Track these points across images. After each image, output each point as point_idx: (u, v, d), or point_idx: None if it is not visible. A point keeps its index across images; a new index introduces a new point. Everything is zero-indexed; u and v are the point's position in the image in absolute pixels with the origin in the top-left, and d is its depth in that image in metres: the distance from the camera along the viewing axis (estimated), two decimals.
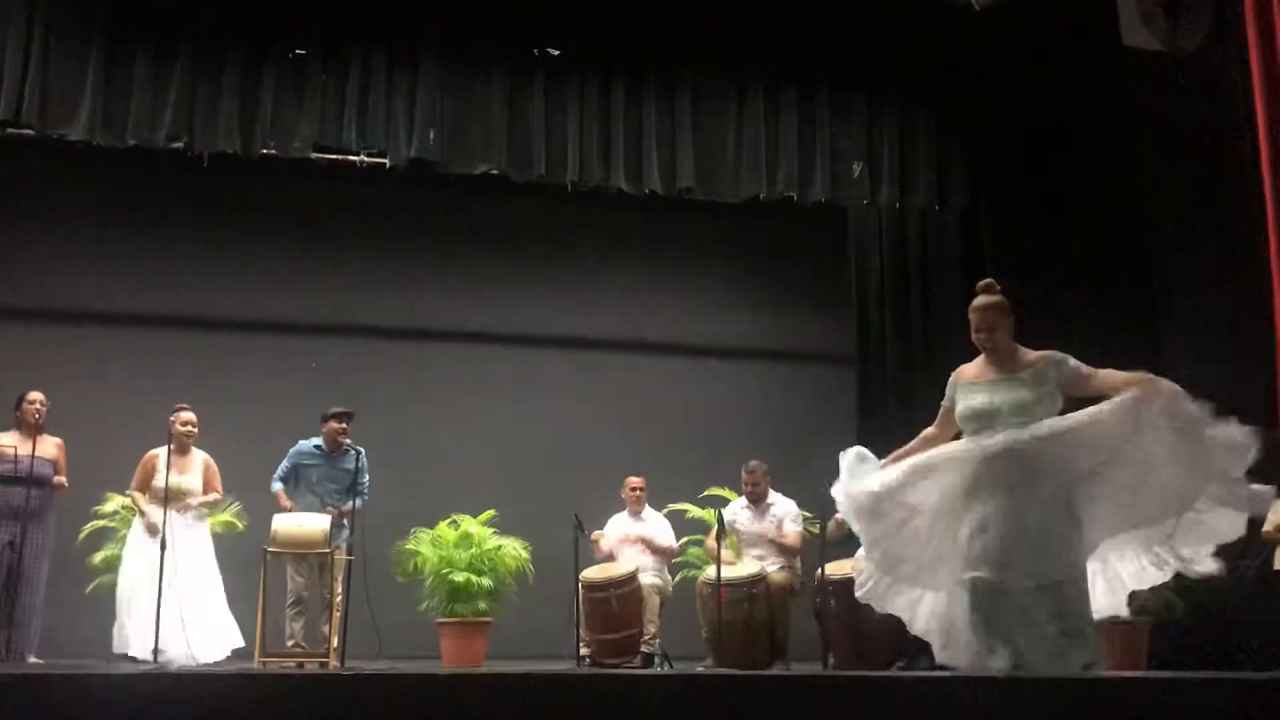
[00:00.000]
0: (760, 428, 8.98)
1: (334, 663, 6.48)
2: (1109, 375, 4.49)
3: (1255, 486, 4.26)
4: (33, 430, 6.69)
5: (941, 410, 4.77)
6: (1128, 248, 8.35)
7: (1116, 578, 4.48)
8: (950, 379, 4.79)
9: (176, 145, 7.68)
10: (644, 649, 7.22)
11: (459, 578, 7.46)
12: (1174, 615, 6.86)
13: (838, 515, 6.95)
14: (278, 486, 7.21)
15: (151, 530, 6.58)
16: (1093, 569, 4.42)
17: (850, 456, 4.86)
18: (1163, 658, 6.74)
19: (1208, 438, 4.22)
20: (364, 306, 8.92)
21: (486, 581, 7.54)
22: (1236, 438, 4.20)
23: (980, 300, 4.75)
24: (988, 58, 8.31)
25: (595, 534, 7.57)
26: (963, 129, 8.76)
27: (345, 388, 8.16)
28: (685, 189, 8.19)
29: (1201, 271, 7.82)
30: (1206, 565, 4.31)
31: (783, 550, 7.31)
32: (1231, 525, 4.28)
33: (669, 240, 9.31)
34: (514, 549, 7.70)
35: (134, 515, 6.92)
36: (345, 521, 6.97)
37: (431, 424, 8.76)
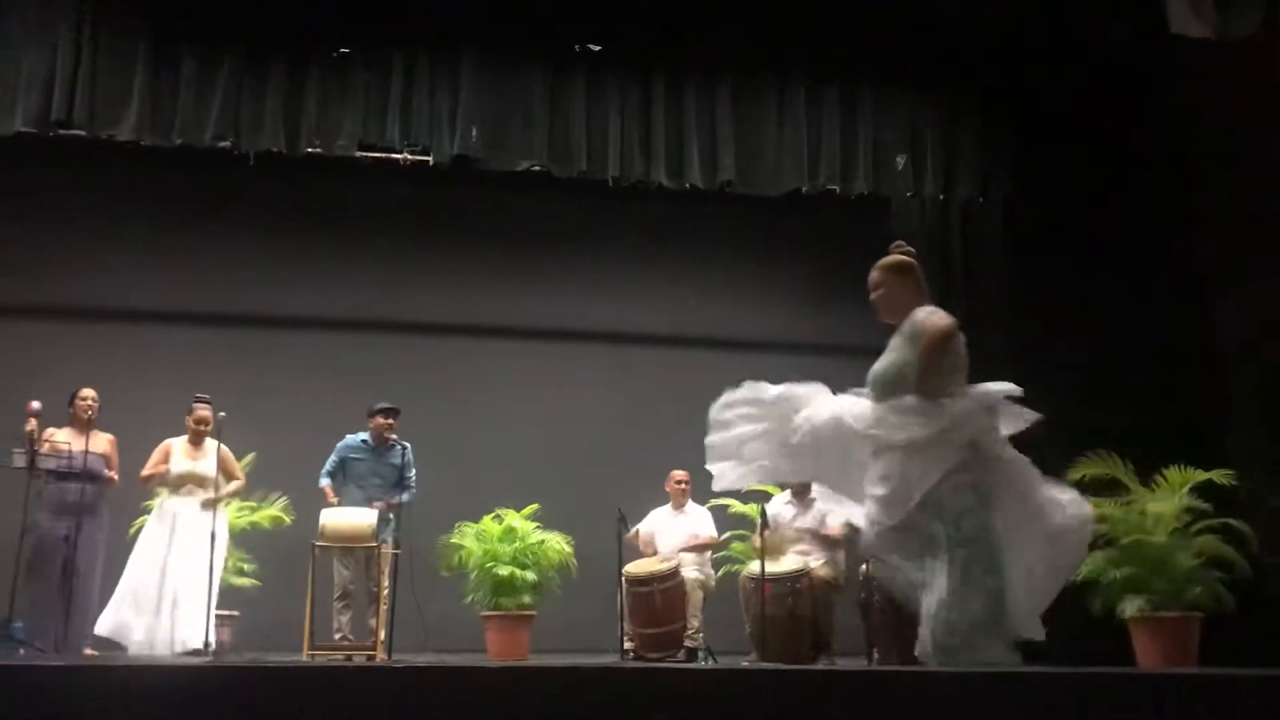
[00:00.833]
0: None
1: (381, 655, 6.54)
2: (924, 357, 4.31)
3: None
4: (85, 426, 6.80)
5: None
6: (1174, 237, 8.25)
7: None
8: None
9: (223, 145, 7.79)
10: (687, 643, 7.23)
11: (503, 571, 7.52)
12: (1225, 608, 6.78)
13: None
14: (325, 482, 7.29)
15: (206, 505, 6.71)
16: None
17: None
18: (1215, 652, 6.66)
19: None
20: (408, 303, 8.98)
21: (530, 575, 7.59)
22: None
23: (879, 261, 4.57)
24: (1031, 46, 8.23)
25: (632, 532, 7.58)
26: (1006, 118, 8.67)
27: (389, 384, 8.22)
28: (726, 183, 8.19)
29: (1248, 261, 7.70)
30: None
31: (826, 544, 7.28)
32: None
33: (710, 235, 9.29)
34: (557, 543, 7.75)
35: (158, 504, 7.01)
36: (391, 515, 7.03)
37: (475, 419, 8.80)
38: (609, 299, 9.23)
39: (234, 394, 7.18)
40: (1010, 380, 7.99)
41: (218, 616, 6.66)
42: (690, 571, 7.42)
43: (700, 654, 7.23)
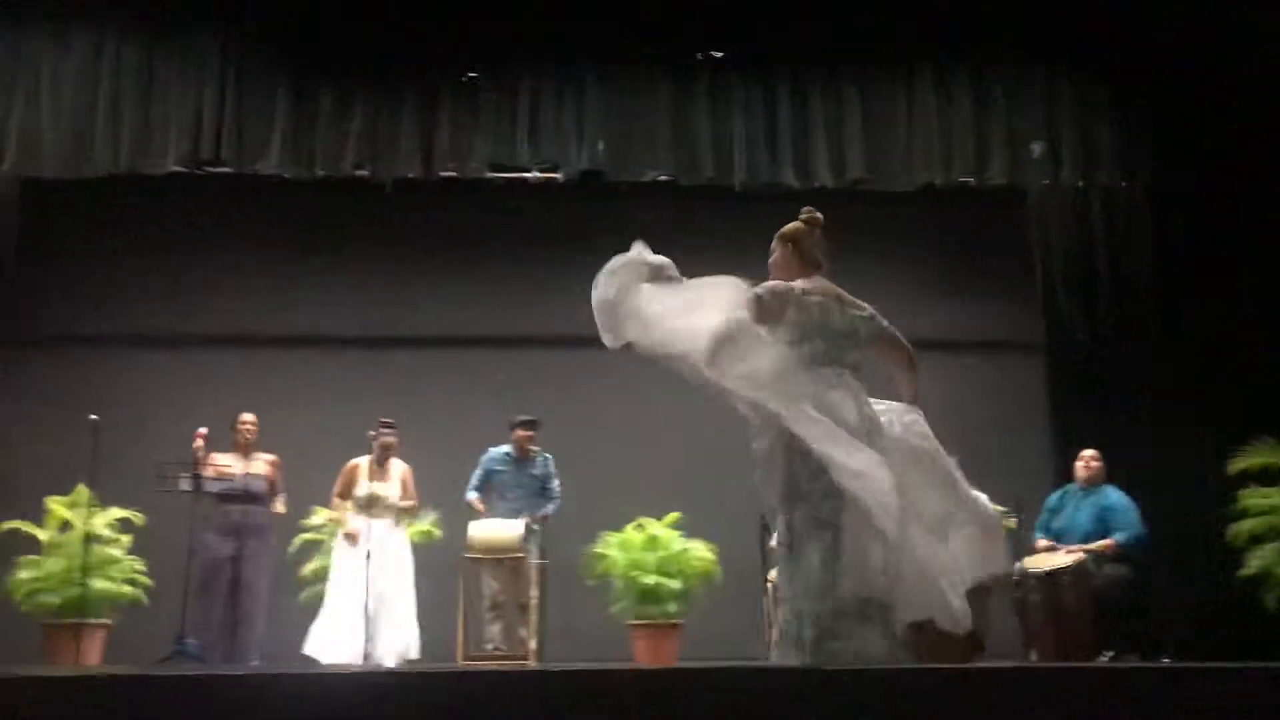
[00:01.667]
0: (944, 422, 8.65)
1: (533, 664, 6.64)
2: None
3: None
4: (246, 450, 7.10)
5: None
6: None
7: None
8: None
9: (361, 173, 8.03)
10: None
11: (648, 580, 7.56)
12: None
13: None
14: (472, 495, 7.44)
15: (350, 539, 6.92)
16: None
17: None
18: None
19: None
20: (545, 317, 9.08)
21: (675, 584, 7.62)
22: None
23: None
24: (1169, 23, 7.91)
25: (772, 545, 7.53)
26: (1146, 100, 8.34)
27: (531, 397, 8.35)
28: (856, 181, 8.07)
29: None
30: None
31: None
32: None
33: (840, 234, 9.12)
34: (701, 551, 7.75)
35: (338, 526, 7.26)
36: (537, 526, 7.15)
37: (615, 430, 8.86)
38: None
39: (379, 413, 7.37)
40: (1163, 369, 7.72)
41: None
42: None
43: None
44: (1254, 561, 7.24)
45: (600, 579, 7.76)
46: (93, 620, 7.07)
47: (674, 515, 7.87)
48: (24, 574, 7.28)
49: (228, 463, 7.01)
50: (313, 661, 6.74)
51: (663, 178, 8.09)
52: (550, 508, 7.29)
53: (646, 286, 4.28)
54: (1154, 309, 8.40)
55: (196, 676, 4.03)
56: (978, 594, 6.76)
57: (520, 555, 7.06)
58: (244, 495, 6.93)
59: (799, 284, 4.26)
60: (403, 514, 7.20)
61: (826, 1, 8.03)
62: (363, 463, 7.18)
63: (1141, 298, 8.48)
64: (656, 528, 7.80)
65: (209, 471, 6.85)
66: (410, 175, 8.01)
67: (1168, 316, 8.32)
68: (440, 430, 8.22)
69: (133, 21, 7.87)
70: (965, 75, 8.17)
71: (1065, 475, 7.38)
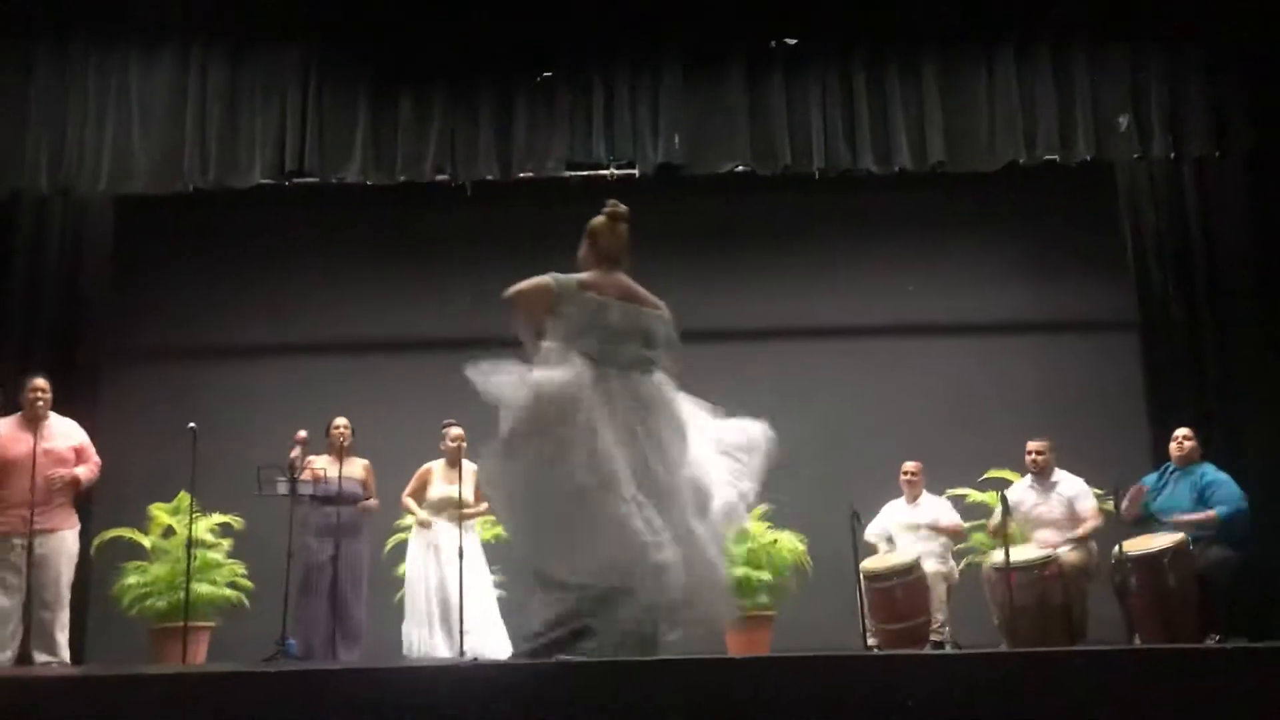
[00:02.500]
0: (1038, 404, 8.58)
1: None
2: None
3: None
4: (340, 453, 7.24)
5: None
6: None
7: None
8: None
9: (442, 177, 8.13)
10: (933, 638, 7.06)
11: (738, 572, 7.53)
12: None
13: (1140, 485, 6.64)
14: None
15: (423, 526, 7.02)
16: None
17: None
18: None
19: None
20: None
21: (765, 575, 7.60)
22: None
23: None
24: None
25: (868, 532, 7.47)
26: (1239, 66, 8.06)
27: None
28: (937, 164, 7.93)
29: None
30: None
31: (1075, 528, 6.96)
32: None
33: (922, 218, 9.05)
34: (790, 542, 7.72)
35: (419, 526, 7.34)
36: None
37: None
38: (823, 292, 9.10)
39: (461, 416, 7.46)
40: (1261, 343, 7.48)
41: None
42: (931, 564, 7.24)
43: (948, 648, 7.04)
44: None
45: None
46: (197, 623, 7.27)
47: (762, 507, 7.83)
48: (131, 579, 7.51)
49: (323, 466, 7.15)
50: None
51: (740, 168, 8.04)
52: None
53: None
54: (1250, 282, 8.14)
55: (302, 672, 4.12)
56: (1076, 579, 6.66)
57: None
58: (340, 498, 7.06)
59: (583, 278, 4.15)
60: (474, 516, 7.24)
61: None
62: (435, 466, 7.28)
63: (1238, 271, 8.22)
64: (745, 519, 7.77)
65: (305, 475, 6.99)
66: (489, 177, 8.07)
67: (1265, 289, 8.06)
68: None
69: (216, 39, 8.05)
70: (1047, 50, 7.97)
71: (1164, 455, 7.21)
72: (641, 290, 4.19)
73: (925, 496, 7.64)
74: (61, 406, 6.56)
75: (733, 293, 9.08)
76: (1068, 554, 6.80)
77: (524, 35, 8.10)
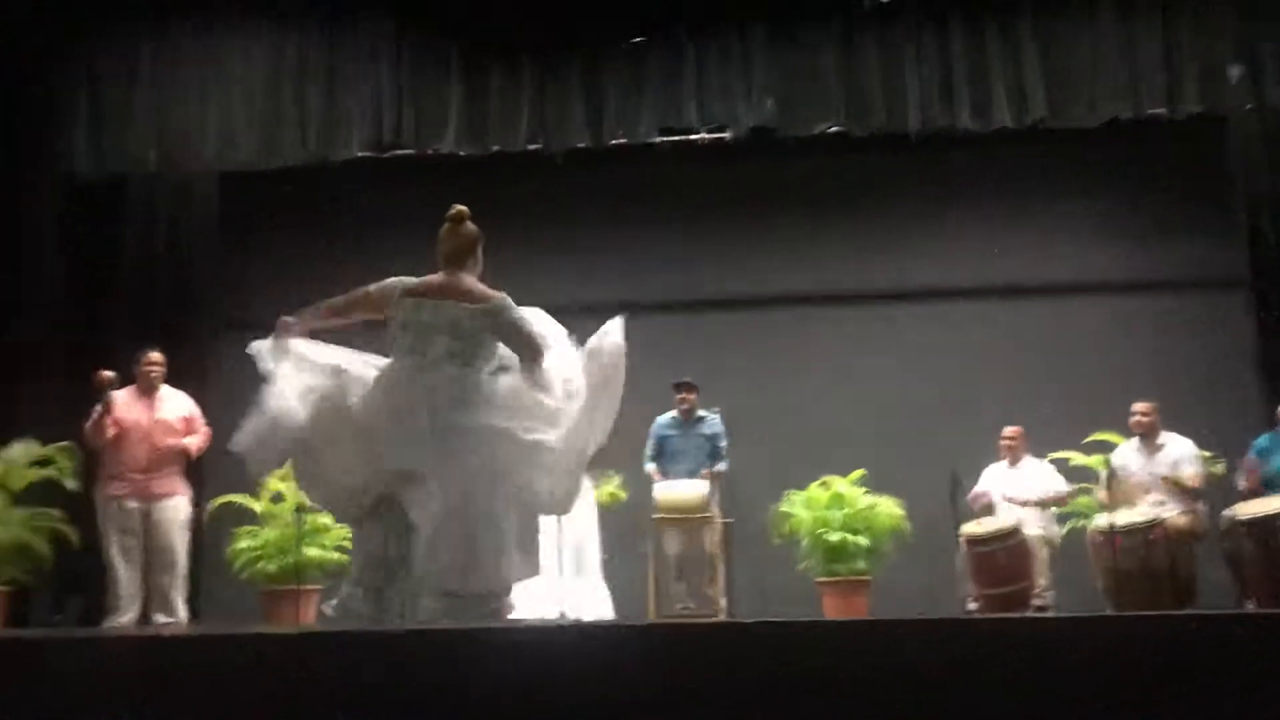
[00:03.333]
0: (1143, 365, 8.35)
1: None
2: None
3: None
4: None
5: None
6: None
7: None
8: None
9: (534, 147, 8.18)
10: (1035, 603, 6.96)
11: (835, 538, 7.52)
12: None
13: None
14: (650, 467, 7.55)
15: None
16: None
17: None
18: None
19: None
20: (717, 279, 9.10)
21: (863, 540, 7.56)
22: None
23: None
24: None
25: (970, 495, 7.38)
26: None
27: (706, 359, 8.41)
28: (1038, 120, 7.73)
29: None
30: None
31: (1182, 493, 6.79)
32: None
33: (1022, 177, 8.84)
34: (888, 507, 7.66)
35: None
36: (713, 484, 7.21)
37: (794, 388, 8.80)
38: (920, 255, 8.96)
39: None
40: None
41: None
42: (1033, 529, 7.13)
43: (1051, 613, 6.93)
44: None
45: (786, 538, 7.75)
46: (307, 585, 7.48)
47: (859, 472, 7.79)
48: (243, 544, 7.76)
49: None
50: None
51: (833, 130, 7.94)
52: (721, 466, 7.34)
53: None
54: None
55: (418, 631, 4.23)
56: (1182, 542, 6.51)
57: (706, 515, 7.12)
58: None
59: (407, 282, 4.49)
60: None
61: None
62: None
63: None
64: (842, 484, 7.74)
65: None
66: (581, 145, 8.10)
67: None
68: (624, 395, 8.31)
69: (311, 14, 8.20)
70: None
71: (1275, 417, 6.97)
72: (466, 286, 4.41)
73: (1027, 460, 7.51)
74: (173, 378, 6.77)
75: (825, 256, 8.99)
76: (1174, 517, 6.65)
77: (614, 1, 8.08)
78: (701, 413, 7.57)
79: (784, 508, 7.78)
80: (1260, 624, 3.76)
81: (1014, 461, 7.52)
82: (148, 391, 6.57)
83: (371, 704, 3.48)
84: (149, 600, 6.49)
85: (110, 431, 6.37)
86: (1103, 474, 6.87)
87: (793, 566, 7.69)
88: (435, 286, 4.41)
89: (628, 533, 7.40)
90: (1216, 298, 8.53)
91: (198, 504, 7.07)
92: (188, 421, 6.70)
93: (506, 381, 4.40)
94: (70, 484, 7.11)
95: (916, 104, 7.77)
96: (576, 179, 8.66)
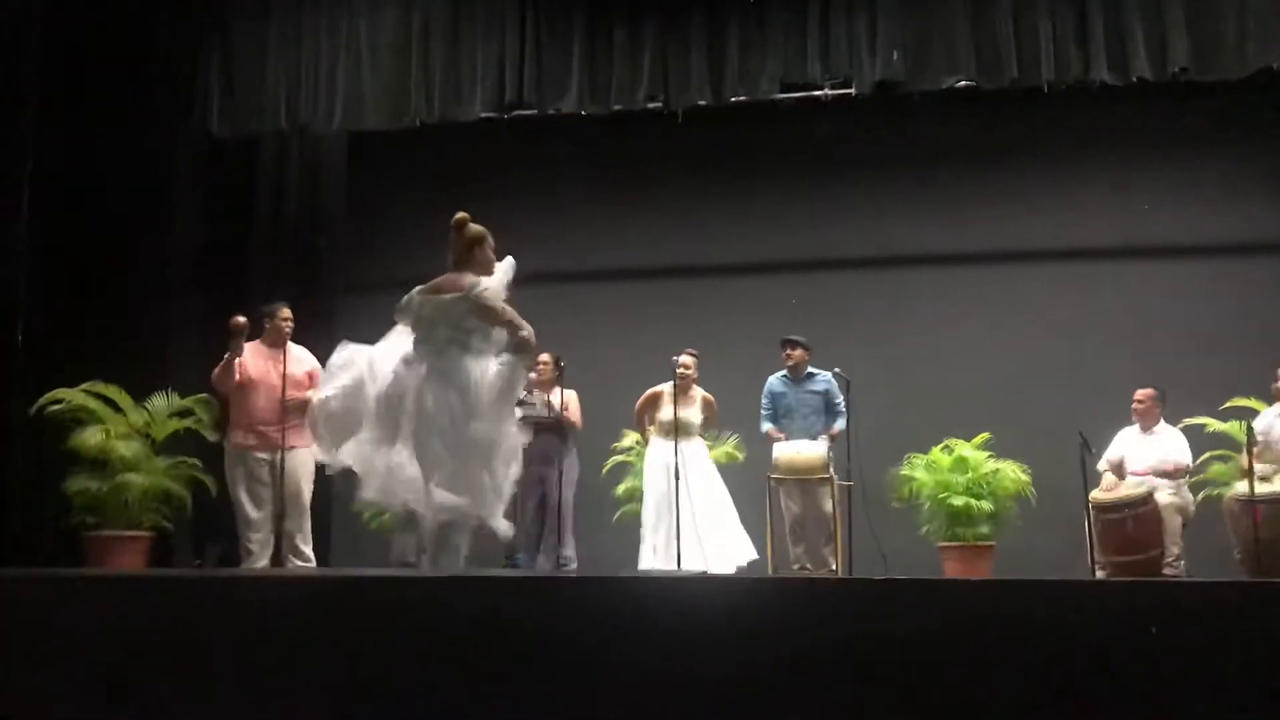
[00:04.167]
0: None
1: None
2: None
3: None
4: (549, 385, 7.44)
5: None
6: None
7: None
8: None
9: (655, 105, 8.15)
10: (1167, 571, 6.73)
11: (957, 502, 7.40)
12: None
13: None
14: (767, 426, 7.49)
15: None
16: None
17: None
18: None
19: None
20: (838, 238, 8.97)
21: (986, 505, 7.42)
22: None
23: None
24: None
25: (1103, 463, 7.16)
26: None
27: (826, 320, 8.32)
28: (1180, 71, 7.37)
29: None
30: None
31: None
32: None
33: (1161, 133, 8.47)
34: (1013, 471, 7.49)
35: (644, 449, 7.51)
36: (831, 444, 7.14)
37: (917, 349, 8.64)
38: (1051, 213, 8.66)
39: (684, 341, 7.54)
40: None
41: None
42: (1165, 496, 6.89)
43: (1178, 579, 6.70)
44: None
45: (906, 501, 7.64)
46: None
47: (983, 435, 7.62)
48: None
49: (533, 397, 7.36)
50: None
51: (962, 84, 7.71)
52: (839, 424, 7.25)
53: None
54: None
55: (552, 578, 4.31)
56: None
57: (825, 476, 7.06)
58: (552, 425, 7.25)
59: (424, 286, 5.13)
60: (705, 433, 7.35)
61: None
62: (665, 389, 7.37)
63: None
64: (965, 448, 7.59)
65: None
66: (701, 103, 8.04)
67: None
68: (740, 355, 8.29)
69: None
70: None
71: None
72: (456, 280, 5.05)
73: (1161, 426, 7.25)
74: (297, 333, 6.95)
75: (954, 216, 8.78)
76: None
77: None
78: (812, 370, 7.48)
79: (905, 470, 7.67)
80: None
81: (1146, 426, 7.27)
82: (277, 345, 6.75)
83: (505, 645, 3.57)
84: (279, 546, 6.72)
85: (236, 377, 6.58)
86: (1242, 440, 6.59)
87: (913, 531, 7.59)
88: (436, 285, 5.09)
89: (746, 492, 7.38)
90: None
91: None
92: (311, 376, 6.87)
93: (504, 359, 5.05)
94: (209, 435, 7.40)
95: (1050, 56, 7.47)
96: (697, 137, 8.61)
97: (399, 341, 5.14)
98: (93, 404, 7.33)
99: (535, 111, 8.27)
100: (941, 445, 7.66)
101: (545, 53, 8.21)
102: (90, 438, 7.23)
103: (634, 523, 7.56)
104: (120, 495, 7.20)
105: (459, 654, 3.58)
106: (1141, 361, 7.87)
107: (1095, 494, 6.86)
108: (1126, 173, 8.62)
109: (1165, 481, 7.02)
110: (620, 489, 7.91)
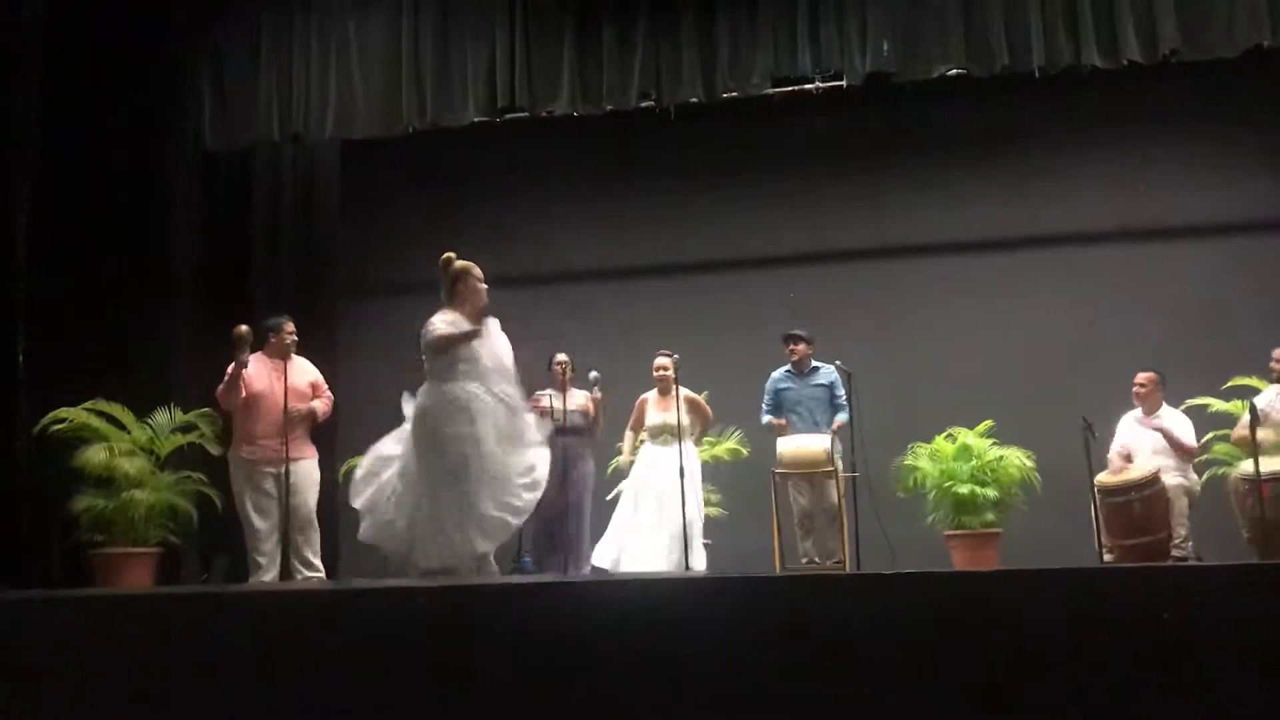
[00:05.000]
0: None
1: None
2: None
3: None
4: (563, 386, 7.44)
5: None
6: None
7: None
8: None
9: (647, 104, 8.14)
10: (1175, 553, 6.74)
11: (962, 490, 7.40)
12: None
13: None
14: (767, 418, 7.50)
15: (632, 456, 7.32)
16: None
17: None
18: None
19: None
20: (834, 231, 8.98)
21: (991, 493, 7.42)
22: None
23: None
24: None
25: (1113, 452, 7.18)
26: None
27: (824, 313, 8.32)
28: (1171, 52, 7.36)
29: None
30: None
31: None
32: None
33: (1154, 115, 8.48)
34: (1017, 458, 7.49)
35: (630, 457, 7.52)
36: (835, 437, 7.14)
37: (917, 339, 8.66)
38: (1047, 199, 8.68)
39: (679, 340, 7.55)
40: None
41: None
42: (1171, 478, 6.90)
43: (1191, 564, 6.70)
44: None
45: (911, 492, 7.65)
46: None
47: (986, 423, 7.63)
48: None
49: (546, 400, 7.36)
50: (604, 572, 7.04)
51: (954, 72, 7.71)
52: (841, 417, 7.25)
53: None
54: None
55: (548, 583, 4.31)
56: None
57: (829, 469, 7.07)
58: (567, 429, 7.25)
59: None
60: (695, 432, 7.34)
61: None
62: (650, 396, 7.39)
63: None
64: (969, 436, 7.59)
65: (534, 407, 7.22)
66: (693, 99, 8.03)
67: None
68: (739, 351, 8.30)
69: None
70: None
71: None
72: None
73: (1164, 409, 7.25)
74: (302, 341, 6.94)
75: (949, 204, 8.80)
76: None
77: None
78: (816, 364, 7.49)
79: (909, 461, 7.67)
80: None
81: (1148, 410, 7.27)
82: (280, 358, 6.75)
83: (503, 651, 3.56)
84: (286, 559, 6.72)
85: (243, 393, 6.58)
86: (1244, 418, 6.59)
87: (920, 521, 7.59)
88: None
89: (752, 487, 7.38)
90: None
91: (331, 466, 7.29)
92: (314, 386, 6.88)
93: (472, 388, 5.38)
94: (213, 449, 7.40)
95: (1040, 41, 7.46)
96: (691, 135, 8.60)
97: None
98: (95, 422, 7.33)
99: (528, 114, 8.26)
100: (945, 434, 7.67)
101: (535, 55, 8.18)
102: (94, 456, 7.22)
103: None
104: (126, 512, 7.19)
105: (476, 664, 3.58)
106: (1141, 343, 7.88)
107: (1101, 477, 6.87)
108: (1121, 156, 8.63)
109: (1171, 463, 7.02)
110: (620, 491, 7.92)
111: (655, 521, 7.09)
